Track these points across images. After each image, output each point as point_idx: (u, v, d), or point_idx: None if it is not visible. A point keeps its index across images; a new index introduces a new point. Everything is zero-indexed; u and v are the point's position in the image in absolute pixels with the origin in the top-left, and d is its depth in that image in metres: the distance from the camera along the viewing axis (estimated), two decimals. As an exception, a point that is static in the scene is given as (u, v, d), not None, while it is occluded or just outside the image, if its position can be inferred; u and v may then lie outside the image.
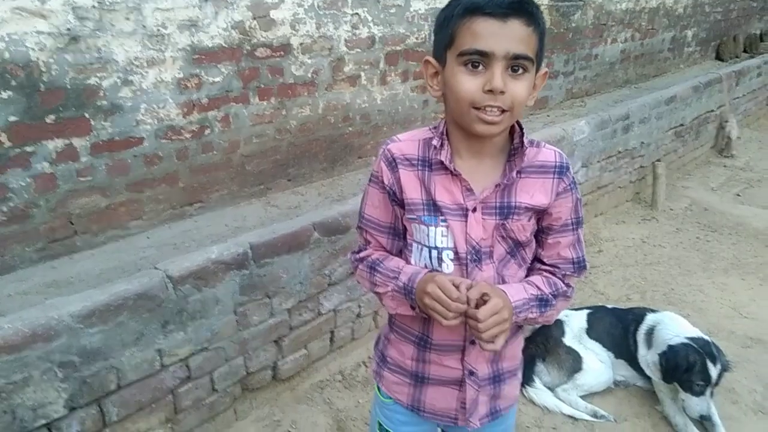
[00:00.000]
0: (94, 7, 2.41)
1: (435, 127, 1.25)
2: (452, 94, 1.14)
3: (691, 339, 2.47)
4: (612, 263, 3.88)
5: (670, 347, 2.47)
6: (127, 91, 2.61)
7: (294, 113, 3.34)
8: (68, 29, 2.36)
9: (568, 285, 1.29)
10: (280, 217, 3.01)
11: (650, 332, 2.65)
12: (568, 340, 2.76)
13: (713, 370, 2.38)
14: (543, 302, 1.23)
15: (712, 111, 5.90)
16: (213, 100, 2.94)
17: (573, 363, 2.70)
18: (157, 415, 2.14)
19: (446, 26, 1.12)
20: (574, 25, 5.38)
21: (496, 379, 1.34)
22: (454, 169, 1.19)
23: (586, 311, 2.90)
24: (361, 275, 1.34)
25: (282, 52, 3.17)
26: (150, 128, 2.73)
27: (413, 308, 1.24)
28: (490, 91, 1.07)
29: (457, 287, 1.12)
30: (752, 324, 3.21)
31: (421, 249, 1.25)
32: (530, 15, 1.08)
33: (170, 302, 2.07)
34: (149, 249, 2.65)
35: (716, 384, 2.42)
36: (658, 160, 5.01)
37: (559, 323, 2.82)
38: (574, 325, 2.81)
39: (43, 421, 1.82)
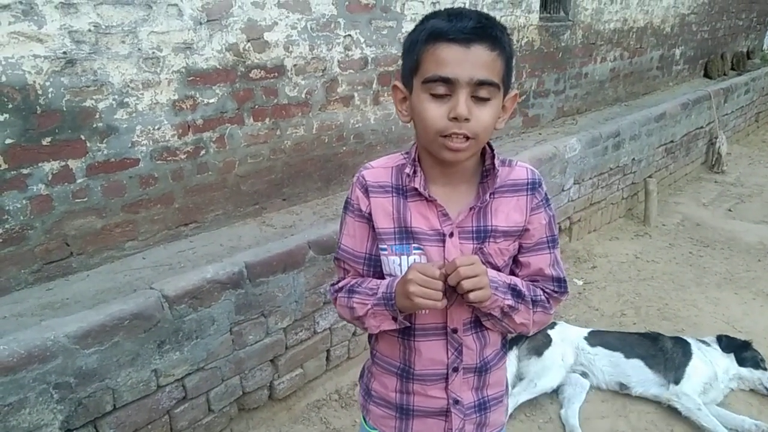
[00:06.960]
0: (90, 30, 2.44)
1: (407, 153, 1.24)
2: (419, 122, 1.13)
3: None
4: (606, 279, 3.90)
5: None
6: (123, 113, 2.63)
7: (288, 133, 3.37)
8: (64, 53, 2.38)
9: (548, 299, 1.26)
10: (275, 236, 3.02)
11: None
12: (553, 333, 2.90)
13: None
14: (517, 293, 1.20)
15: (702, 128, 5.98)
16: (208, 121, 2.96)
17: (541, 343, 2.84)
18: (152, 437, 2.13)
19: (412, 51, 1.11)
20: (563, 44, 5.46)
21: (482, 406, 1.32)
22: (429, 195, 1.18)
23: (587, 329, 3.01)
24: (341, 303, 1.28)
25: (276, 74, 3.21)
26: (145, 149, 2.75)
27: (395, 320, 1.19)
28: (455, 119, 1.07)
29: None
30: (746, 338, 3.22)
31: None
32: (494, 39, 1.06)
33: (166, 322, 2.07)
34: (145, 269, 2.65)
35: None
36: (650, 177, 5.06)
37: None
38: (571, 333, 2.93)
39: (39, 444, 1.81)
